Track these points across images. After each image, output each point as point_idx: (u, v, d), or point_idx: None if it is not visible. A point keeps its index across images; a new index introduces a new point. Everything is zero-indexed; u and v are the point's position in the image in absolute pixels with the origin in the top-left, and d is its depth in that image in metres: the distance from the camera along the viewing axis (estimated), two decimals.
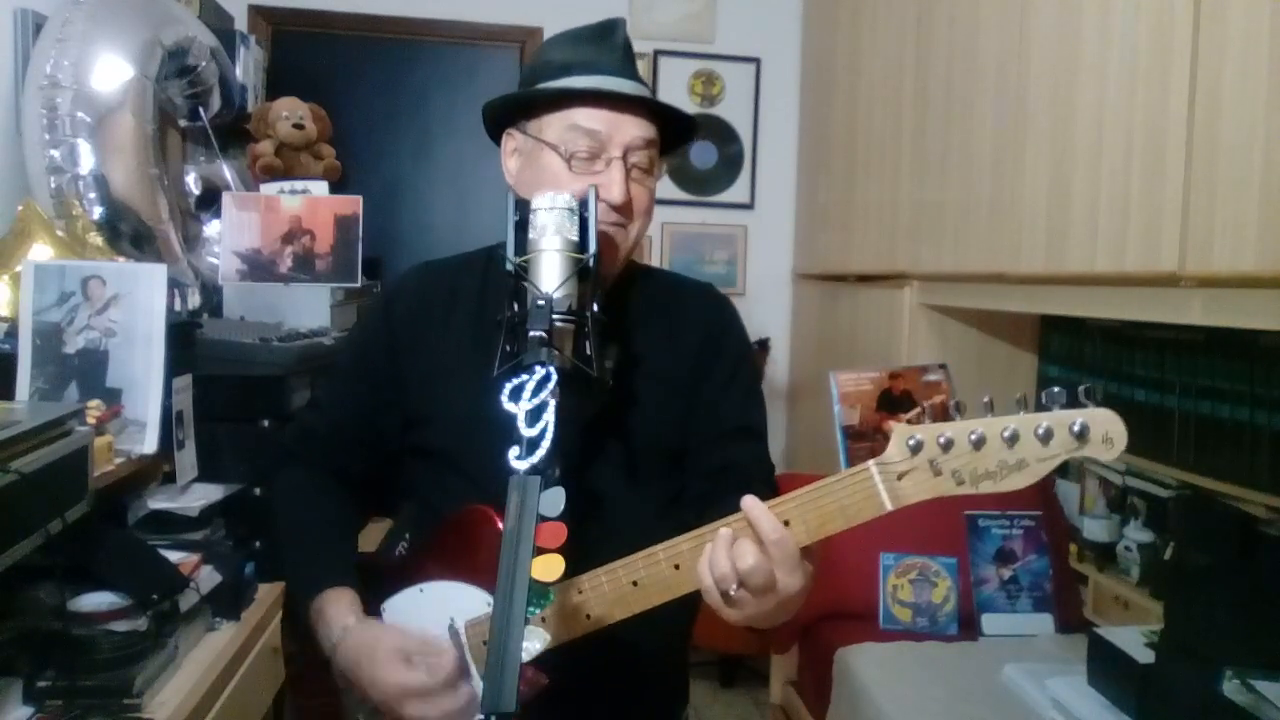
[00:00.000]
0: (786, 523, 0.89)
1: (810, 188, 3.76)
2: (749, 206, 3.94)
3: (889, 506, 0.86)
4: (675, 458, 1.22)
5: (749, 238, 3.93)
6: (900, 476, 0.86)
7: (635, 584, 0.97)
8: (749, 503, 0.89)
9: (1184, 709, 1.64)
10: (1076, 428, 0.80)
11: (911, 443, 0.84)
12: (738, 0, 3.85)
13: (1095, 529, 2.43)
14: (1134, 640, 1.82)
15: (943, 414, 0.86)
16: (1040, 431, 0.81)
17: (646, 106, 1.12)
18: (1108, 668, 1.82)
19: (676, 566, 0.95)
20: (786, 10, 3.87)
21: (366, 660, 1.02)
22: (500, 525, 0.93)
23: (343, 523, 1.21)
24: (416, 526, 1.22)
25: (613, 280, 1.18)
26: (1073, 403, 0.81)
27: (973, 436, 0.83)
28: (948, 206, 2.49)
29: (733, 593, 0.88)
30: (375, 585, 1.14)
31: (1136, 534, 2.28)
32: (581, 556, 0.97)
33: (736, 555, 0.87)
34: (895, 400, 2.69)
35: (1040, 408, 0.83)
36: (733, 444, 1.20)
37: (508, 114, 1.18)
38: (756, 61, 3.88)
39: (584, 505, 1.11)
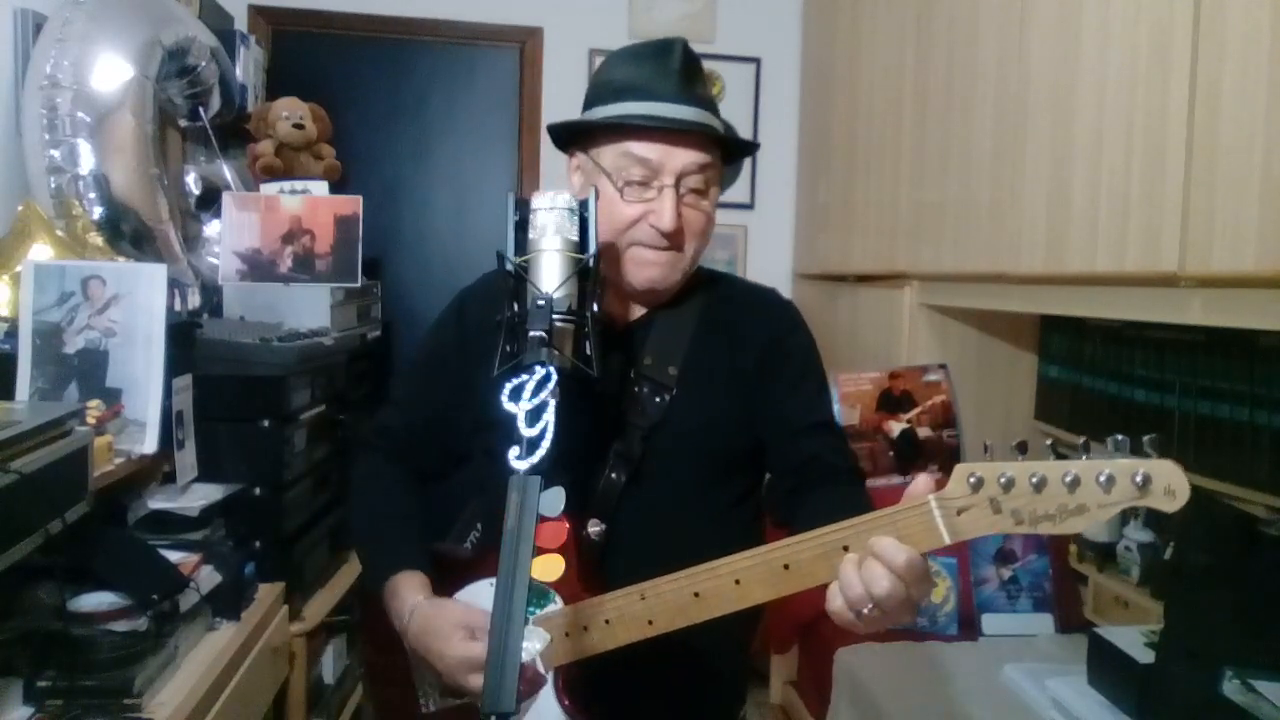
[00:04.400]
0: (845, 548, 0.90)
1: (810, 188, 3.76)
2: (749, 206, 3.94)
3: (947, 540, 0.86)
4: (738, 463, 1.24)
5: (749, 238, 3.93)
6: (960, 512, 0.86)
7: (696, 595, 0.97)
8: (874, 541, 0.88)
9: (1184, 709, 1.64)
10: (1139, 478, 0.80)
11: (972, 480, 0.85)
12: (738, 0, 3.85)
13: (1095, 529, 2.43)
14: (1134, 640, 1.81)
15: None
16: (1102, 479, 0.81)
17: (702, 131, 1.14)
18: (1108, 668, 1.82)
19: (737, 581, 0.95)
20: (786, 10, 3.87)
21: (433, 634, 1.07)
22: (568, 527, 0.96)
23: (415, 511, 1.26)
24: (487, 522, 1.25)
25: (676, 288, 1.21)
26: (1136, 452, 0.82)
27: (1034, 479, 0.83)
28: (948, 206, 2.49)
29: (866, 612, 0.87)
30: (445, 575, 1.18)
31: (1136, 534, 2.28)
32: (639, 558, 1.01)
33: (868, 580, 0.86)
34: (895, 400, 2.69)
35: (1102, 452, 0.83)
36: (811, 439, 1.21)
37: (570, 134, 1.22)
38: (756, 61, 3.88)
39: (643, 508, 1.15)
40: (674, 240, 1.15)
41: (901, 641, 2.31)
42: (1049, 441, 0.87)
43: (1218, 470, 2.06)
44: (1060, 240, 1.93)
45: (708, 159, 1.15)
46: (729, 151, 1.22)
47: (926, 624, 2.38)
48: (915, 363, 2.70)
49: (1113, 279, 1.80)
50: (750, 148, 1.27)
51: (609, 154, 1.14)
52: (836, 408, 2.61)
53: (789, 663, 2.91)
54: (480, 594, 1.15)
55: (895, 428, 2.63)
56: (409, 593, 1.13)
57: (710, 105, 1.17)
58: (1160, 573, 2.17)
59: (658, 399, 1.17)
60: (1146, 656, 1.75)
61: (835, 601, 0.90)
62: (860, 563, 0.88)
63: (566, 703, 1.04)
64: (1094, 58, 1.83)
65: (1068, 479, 0.82)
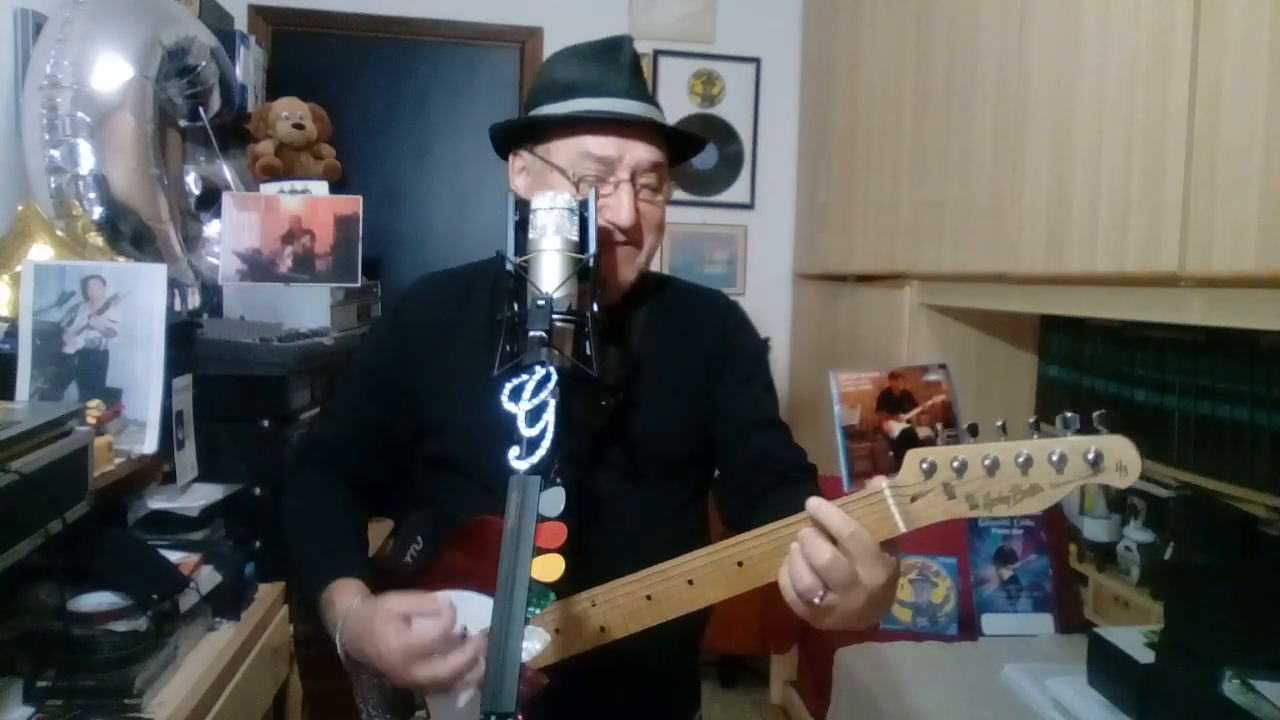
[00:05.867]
0: None
1: (810, 188, 3.76)
2: (749, 206, 3.94)
3: (902, 528, 0.86)
4: (686, 464, 1.23)
5: (749, 238, 3.93)
6: (914, 499, 0.85)
7: (649, 598, 0.97)
8: (814, 504, 0.87)
9: (1184, 709, 1.64)
10: (1091, 455, 0.80)
11: (925, 465, 0.84)
12: (738, 0, 3.85)
13: (1095, 529, 2.43)
14: (1134, 640, 1.81)
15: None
16: (1054, 458, 0.81)
17: (655, 128, 1.14)
18: (1108, 668, 1.82)
19: (690, 582, 0.95)
20: (786, 10, 3.87)
21: (367, 632, 1.00)
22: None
23: (352, 521, 1.21)
24: (428, 533, 1.22)
25: (625, 290, 1.19)
26: (1086, 429, 0.82)
27: (986, 461, 0.82)
28: (948, 206, 2.49)
29: (819, 600, 0.86)
30: (386, 589, 1.13)
31: (1136, 534, 2.28)
32: (589, 562, 0.97)
33: (810, 554, 0.85)
34: (895, 400, 2.69)
35: (1054, 432, 0.83)
36: (762, 435, 1.20)
37: (514, 135, 1.19)
38: (756, 61, 3.88)
39: (592, 510, 1.12)
40: (632, 236, 1.14)
41: (901, 641, 2.31)
42: (1000, 421, 0.87)
43: (1218, 470, 2.06)
44: (1060, 240, 1.93)
45: (660, 156, 1.15)
46: (676, 153, 1.20)
47: (926, 624, 2.38)
48: (915, 363, 2.69)
49: (1113, 279, 1.80)
50: (699, 144, 1.24)
51: (562, 151, 1.12)
52: (836, 408, 2.61)
53: (789, 663, 2.91)
54: None
55: (895, 428, 2.62)
56: (343, 599, 1.06)
57: (656, 103, 1.17)
58: (1160, 573, 2.17)
59: (603, 400, 1.15)
60: (1146, 656, 1.75)
61: (789, 594, 0.88)
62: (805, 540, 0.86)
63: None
64: (1094, 58, 1.83)
65: (1020, 459, 0.81)
